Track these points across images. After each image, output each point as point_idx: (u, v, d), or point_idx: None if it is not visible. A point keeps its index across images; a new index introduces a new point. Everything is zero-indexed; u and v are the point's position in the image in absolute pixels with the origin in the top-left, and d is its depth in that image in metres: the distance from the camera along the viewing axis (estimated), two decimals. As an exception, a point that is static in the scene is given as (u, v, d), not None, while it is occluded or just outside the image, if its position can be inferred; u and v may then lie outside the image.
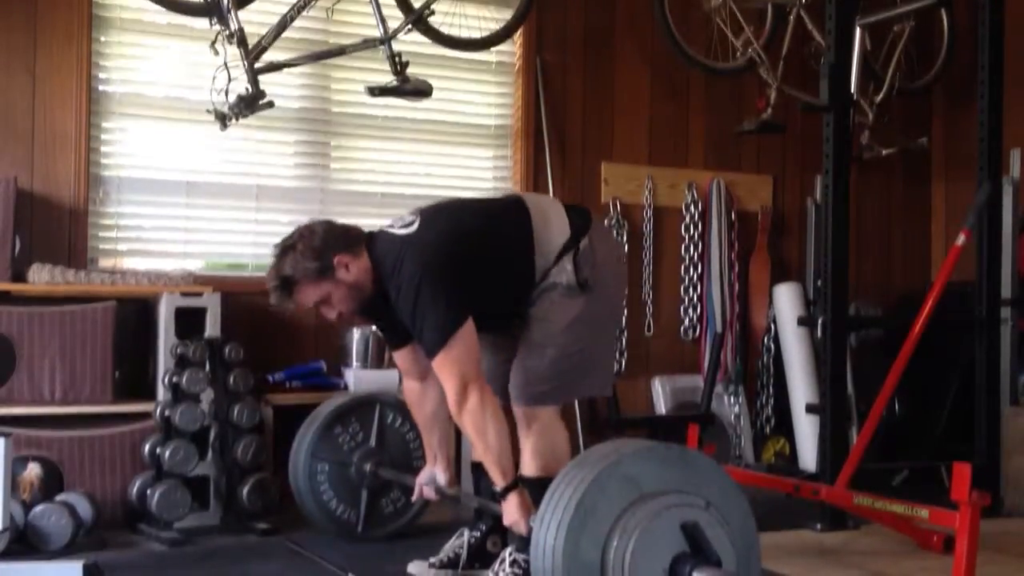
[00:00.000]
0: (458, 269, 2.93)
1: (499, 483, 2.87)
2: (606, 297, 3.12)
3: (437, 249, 2.94)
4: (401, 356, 3.28)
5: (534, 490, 3.03)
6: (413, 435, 3.79)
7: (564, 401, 3.14)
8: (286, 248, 3.05)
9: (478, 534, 3.25)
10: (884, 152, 5.52)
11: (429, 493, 3.40)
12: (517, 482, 2.87)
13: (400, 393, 3.91)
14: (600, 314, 3.10)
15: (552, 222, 3.07)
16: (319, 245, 3.00)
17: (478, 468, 3.29)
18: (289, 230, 4.67)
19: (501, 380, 3.11)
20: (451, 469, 3.40)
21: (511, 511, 2.87)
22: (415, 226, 3.03)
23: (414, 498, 3.56)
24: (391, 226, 3.09)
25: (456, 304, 2.89)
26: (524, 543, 3.01)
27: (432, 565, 3.22)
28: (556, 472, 2.97)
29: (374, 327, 3.30)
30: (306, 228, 3.08)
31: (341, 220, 4.79)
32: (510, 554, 3.03)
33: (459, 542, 3.25)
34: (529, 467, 3.03)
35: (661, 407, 5.22)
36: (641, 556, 2.26)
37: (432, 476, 3.39)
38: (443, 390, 3.13)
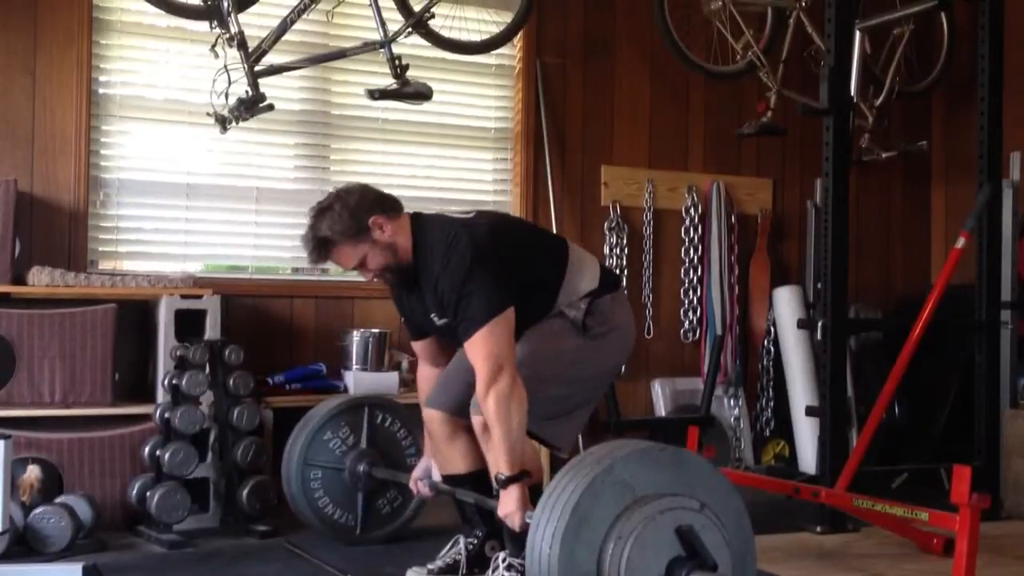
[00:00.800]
0: (507, 260, 2.97)
1: (505, 471, 2.83)
2: (602, 353, 3.13)
3: (492, 239, 2.99)
4: (420, 345, 3.31)
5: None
6: (404, 433, 3.79)
7: (543, 407, 3.03)
8: (323, 210, 3.06)
9: (475, 540, 3.24)
10: (884, 155, 5.52)
11: (424, 490, 3.38)
12: (521, 476, 2.84)
13: (395, 396, 3.92)
14: (589, 364, 3.10)
15: (586, 271, 3.13)
16: (355, 206, 3.03)
17: (453, 481, 3.26)
18: (289, 232, 4.76)
19: (464, 399, 3.10)
20: None
21: (509, 503, 2.84)
22: (472, 215, 3.11)
23: (413, 495, 3.54)
24: (444, 213, 3.18)
25: (504, 288, 2.91)
26: (519, 547, 3.01)
27: (431, 571, 3.21)
28: (541, 478, 3.04)
29: (397, 309, 3.27)
30: (343, 190, 3.12)
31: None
32: (504, 559, 3.02)
33: (456, 548, 3.23)
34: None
35: (661, 409, 5.22)
36: (637, 562, 2.25)
37: (428, 467, 3.37)
38: None
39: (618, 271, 5.16)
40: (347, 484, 3.69)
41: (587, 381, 3.15)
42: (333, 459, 3.69)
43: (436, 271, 2.96)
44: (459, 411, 3.13)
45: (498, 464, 2.86)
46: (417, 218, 3.11)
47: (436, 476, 3.35)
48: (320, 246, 3.04)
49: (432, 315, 3.06)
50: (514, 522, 2.83)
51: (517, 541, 3.01)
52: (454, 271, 2.91)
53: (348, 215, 3.01)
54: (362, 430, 3.73)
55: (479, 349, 2.85)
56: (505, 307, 2.89)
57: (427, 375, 3.35)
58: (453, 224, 3.03)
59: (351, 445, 3.72)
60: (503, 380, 2.81)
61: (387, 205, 3.08)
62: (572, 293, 3.08)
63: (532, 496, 2.82)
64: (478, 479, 3.18)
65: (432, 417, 3.24)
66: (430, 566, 3.22)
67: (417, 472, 3.41)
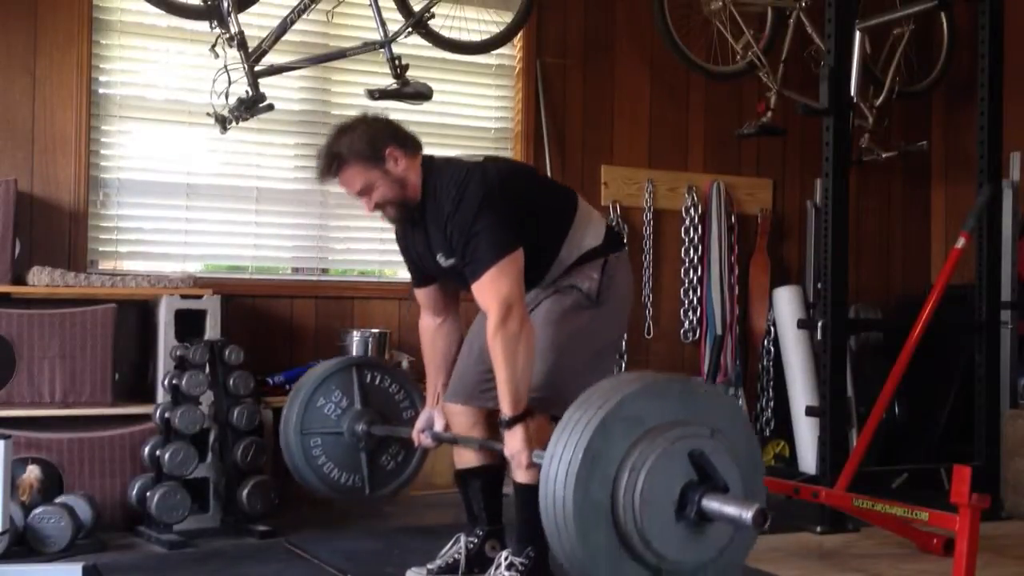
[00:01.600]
0: (518, 203, 2.97)
1: (509, 412, 2.83)
2: (612, 319, 3.13)
3: (502, 181, 2.98)
4: (423, 293, 3.29)
5: (530, 495, 3.02)
6: (396, 388, 3.77)
7: (552, 412, 3.00)
8: (344, 128, 3.08)
9: (475, 539, 3.23)
10: (884, 155, 5.53)
11: (427, 442, 3.35)
12: (525, 415, 2.83)
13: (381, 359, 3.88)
14: (603, 334, 3.10)
15: (591, 226, 3.13)
16: (376, 132, 3.04)
17: (464, 475, 3.28)
18: (289, 232, 4.76)
19: (482, 386, 3.11)
20: None
21: (515, 442, 2.83)
22: (481, 159, 3.11)
23: (416, 447, 3.50)
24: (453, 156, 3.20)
25: (514, 228, 2.92)
26: (521, 546, 3.01)
27: (431, 571, 3.20)
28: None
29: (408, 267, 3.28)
30: (369, 116, 3.13)
31: (341, 223, 4.87)
32: (506, 557, 3.02)
33: (456, 547, 3.23)
34: (524, 474, 3.01)
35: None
36: (651, 490, 2.29)
37: (430, 417, 3.34)
38: (457, 331, 3.23)
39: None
40: (348, 446, 3.65)
41: (606, 349, 3.18)
42: (330, 424, 3.66)
43: (447, 210, 2.95)
44: (477, 399, 3.14)
45: (502, 405, 2.85)
46: (429, 159, 3.11)
47: (438, 426, 3.32)
48: (332, 161, 3.04)
49: (439, 255, 3.04)
50: (520, 461, 2.83)
51: (520, 540, 3.02)
52: (464, 211, 2.91)
53: (367, 138, 3.02)
54: (354, 391, 3.70)
55: (488, 290, 2.86)
56: (514, 248, 2.89)
57: (428, 326, 3.33)
58: (464, 165, 3.04)
59: (345, 407, 3.68)
60: (512, 321, 2.82)
61: (408, 141, 3.08)
62: (576, 246, 3.06)
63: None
64: (489, 473, 3.22)
65: (452, 410, 3.25)
66: (430, 566, 3.22)
67: (419, 424, 3.37)
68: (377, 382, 3.75)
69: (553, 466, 2.34)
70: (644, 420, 2.35)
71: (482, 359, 2.99)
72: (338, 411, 3.67)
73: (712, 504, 2.31)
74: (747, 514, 2.26)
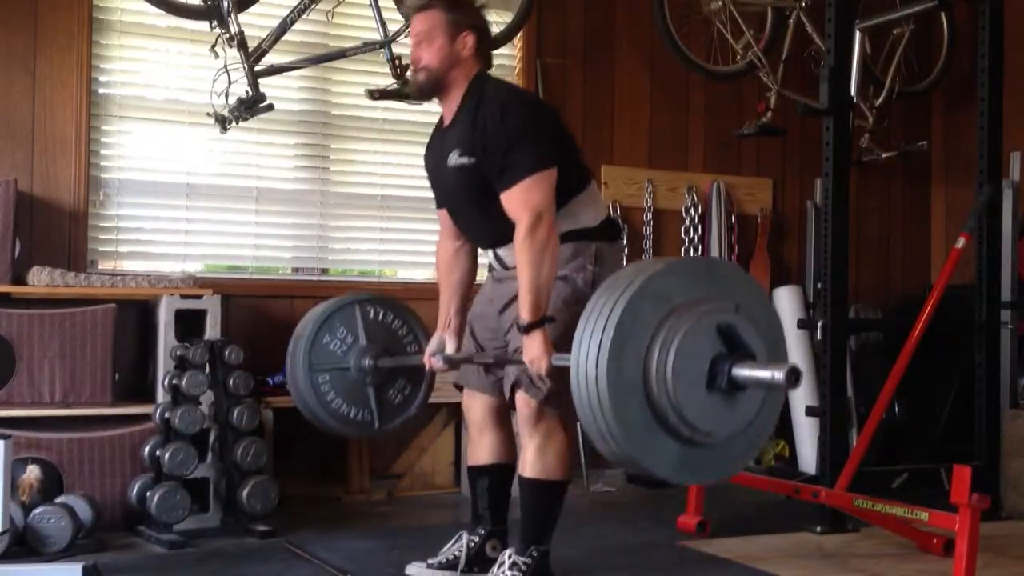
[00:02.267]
0: (557, 136, 3.04)
1: (528, 317, 2.84)
2: None
3: (550, 108, 3.20)
4: (444, 213, 3.29)
5: (536, 492, 3.03)
6: (399, 323, 3.76)
7: (558, 408, 3.01)
8: None
9: (477, 538, 3.24)
10: (884, 155, 5.53)
11: (437, 364, 3.33)
12: (543, 321, 2.85)
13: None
14: None
15: (594, 207, 3.13)
16: (479, 14, 3.13)
17: (474, 472, 3.30)
18: (289, 233, 4.76)
19: (490, 385, 3.15)
20: (461, 336, 3.33)
21: (534, 347, 2.84)
22: None
23: (427, 370, 3.48)
24: None
25: (555, 147, 2.97)
26: (524, 545, 3.02)
27: (430, 566, 3.21)
28: (556, 475, 3.01)
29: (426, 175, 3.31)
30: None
31: (341, 223, 4.87)
32: (509, 556, 3.03)
33: (458, 545, 3.24)
34: (532, 468, 3.02)
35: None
36: (682, 363, 2.37)
37: (442, 341, 3.33)
38: (474, 258, 3.28)
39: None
40: (356, 381, 3.66)
41: None
42: (337, 360, 3.67)
43: (489, 111, 2.97)
44: (496, 389, 3.16)
45: (522, 310, 2.87)
46: (487, 76, 3.14)
47: (450, 349, 3.31)
48: None
49: (452, 153, 3.05)
50: (540, 367, 2.84)
51: (524, 540, 3.03)
52: (513, 115, 2.95)
53: (465, 8, 3.10)
54: (358, 327, 3.70)
55: (522, 197, 2.90)
56: (553, 164, 2.94)
57: (446, 249, 3.33)
58: (519, 87, 3.17)
59: (351, 344, 3.69)
60: (541, 230, 2.86)
61: (487, 49, 3.14)
62: (573, 216, 3.05)
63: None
64: (499, 472, 3.24)
65: (470, 406, 3.28)
66: (430, 560, 3.23)
67: (431, 347, 3.37)
68: (380, 318, 3.75)
69: (584, 347, 2.40)
70: (671, 298, 2.43)
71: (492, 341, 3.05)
72: (344, 347, 3.67)
73: (743, 372, 2.40)
74: (779, 374, 2.36)
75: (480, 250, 3.31)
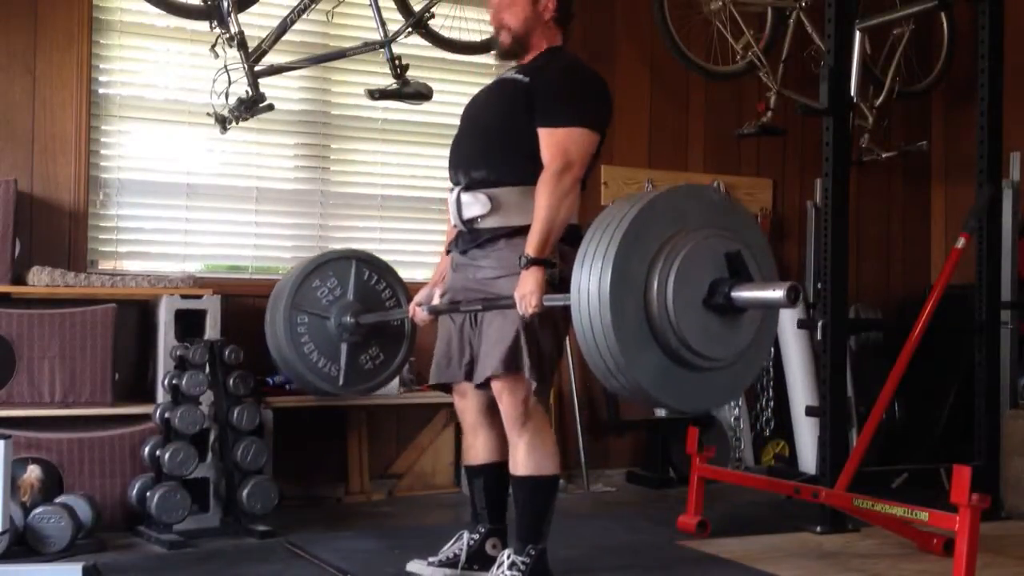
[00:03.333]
0: (604, 121, 3.10)
1: (533, 252, 2.87)
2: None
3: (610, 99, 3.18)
4: None
5: (530, 490, 3.04)
6: (389, 292, 3.76)
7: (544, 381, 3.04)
8: None
9: (477, 536, 3.25)
10: (884, 155, 5.53)
11: (421, 314, 3.33)
12: (544, 262, 2.88)
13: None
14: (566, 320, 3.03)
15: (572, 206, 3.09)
16: None
17: (471, 472, 3.30)
18: (289, 233, 4.76)
19: (463, 373, 3.14)
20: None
21: (528, 283, 2.86)
22: None
23: (410, 315, 3.43)
24: None
25: (603, 121, 3.05)
26: (522, 544, 3.02)
27: (431, 564, 3.22)
28: (549, 471, 3.03)
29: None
30: None
31: (341, 223, 4.87)
32: (508, 556, 3.03)
33: (458, 543, 3.25)
34: (524, 466, 3.03)
35: (661, 409, 5.21)
36: (683, 276, 2.47)
37: (430, 294, 3.34)
38: None
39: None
40: (332, 334, 3.67)
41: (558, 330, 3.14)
42: (320, 307, 3.68)
43: (562, 64, 3.06)
44: (469, 374, 3.14)
45: (529, 245, 2.90)
46: (564, 47, 3.18)
47: (436, 300, 3.30)
48: None
49: (511, 70, 3.12)
50: (529, 302, 2.85)
51: (520, 538, 3.04)
52: (585, 76, 3.05)
53: None
54: (349, 282, 3.72)
55: (562, 142, 2.95)
56: (600, 133, 3.02)
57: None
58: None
59: (337, 296, 3.70)
60: (568, 177, 2.94)
61: (568, 13, 3.17)
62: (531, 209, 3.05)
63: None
64: (494, 470, 3.24)
65: (463, 408, 3.28)
66: (431, 558, 3.24)
67: (419, 297, 3.38)
68: (373, 282, 3.76)
69: (597, 233, 2.52)
70: (687, 217, 2.55)
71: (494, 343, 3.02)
72: (331, 297, 3.69)
73: (742, 293, 2.48)
74: (779, 292, 2.43)
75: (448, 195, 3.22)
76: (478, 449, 3.27)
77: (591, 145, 3.00)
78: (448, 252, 3.27)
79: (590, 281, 2.46)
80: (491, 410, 3.20)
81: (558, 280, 2.94)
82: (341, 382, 3.68)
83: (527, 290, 2.86)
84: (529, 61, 3.14)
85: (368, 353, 3.76)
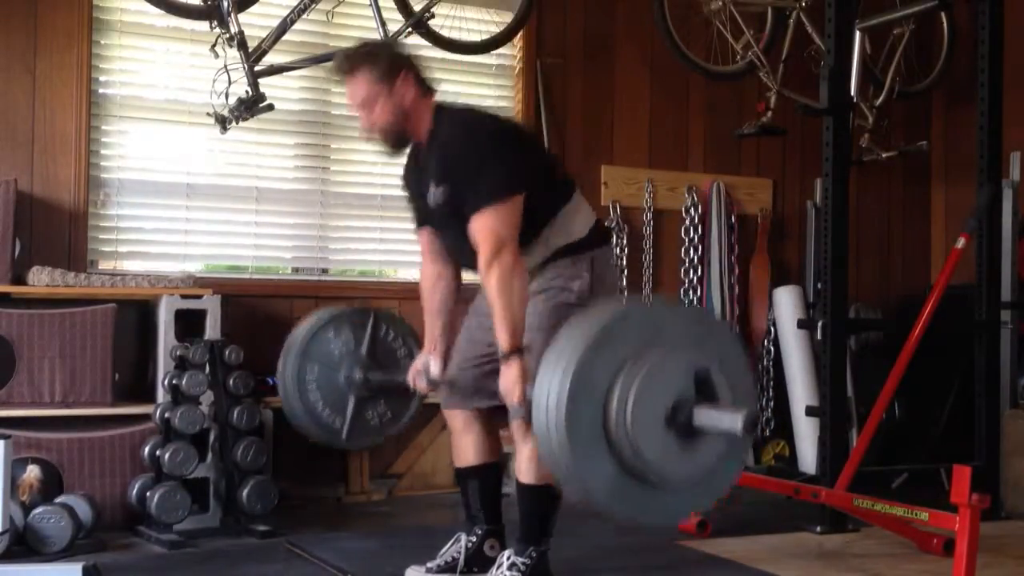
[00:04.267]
0: (524, 159, 3.01)
1: (506, 346, 2.84)
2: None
3: (517, 128, 3.16)
4: (424, 234, 3.27)
5: (534, 497, 3.03)
6: (405, 351, 3.76)
7: None
8: (369, 43, 3.16)
9: (475, 538, 3.24)
10: (884, 155, 5.53)
11: (422, 384, 3.33)
12: (521, 351, 2.84)
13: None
14: None
15: (582, 215, 3.10)
16: (398, 55, 3.07)
17: (463, 474, 3.29)
18: (289, 232, 4.76)
19: (479, 384, 3.13)
20: (446, 359, 3.32)
21: (510, 377, 2.83)
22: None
23: (411, 388, 3.45)
24: None
25: (519, 174, 2.94)
26: (523, 546, 3.02)
27: (429, 570, 3.20)
28: (552, 479, 2.94)
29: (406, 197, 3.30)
30: (402, 46, 3.21)
31: (341, 223, 4.87)
32: (508, 557, 3.03)
33: (456, 546, 3.23)
34: (527, 474, 3.02)
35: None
36: (647, 390, 2.34)
37: (427, 362, 3.33)
38: (456, 279, 3.24)
39: (618, 271, 5.16)
40: (341, 386, 3.66)
41: None
42: (332, 359, 3.67)
43: (456, 135, 2.98)
44: (472, 401, 3.17)
45: (499, 339, 2.86)
46: (441, 106, 3.11)
47: (434, 370, 3.31)
48: (348, 60, 3.06)
49: (430, 183, 3.03)
50: (514, 395, 2.83)
51: (522, 540, 3.03)
52: (476, 143, 2.95)
53: (388, 56, 3.05)
54: (364, 337, 3.71)
55: (483, 226, 2.88)
56: (517, 192, 2.91)
57: (428, 272, 3.30)
58: (480, 110, 3.14)
59: (351, 349, 3.70)
60: (506, 255, 2.85)
61: (425, 81, 3.10)
62: (564, 230, 3.04)
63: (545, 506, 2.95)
64: (487, 471, 3.24)
65: (452, 413, 3.28)
66: (429, 564, 3.22)
67: (417, 364, 3.37)
68: (389, 339, 3.74)
69: (570, 333, 2.41)
70: (662, 328, 2.43)
71: (475, 362, 3.05)
72: (343, 350, 3.66)
73: (702, 414, 2.36)
74: (736, 419, 2.32)
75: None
76: (469, 451, 3.25)
77: (517, 206, 2.90)
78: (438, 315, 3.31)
79: (551, 385, 2.35)
80: (480, 411, 3.19)
81: (589, 290, 2.97)
82: (344, 436, 3.68)
83: (510, 384, 2.84)
84: (427, 139, 3.06)
85: (376, 409, 3.74)
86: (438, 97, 3.12)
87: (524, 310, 2.89)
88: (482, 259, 2.86)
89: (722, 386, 2.42)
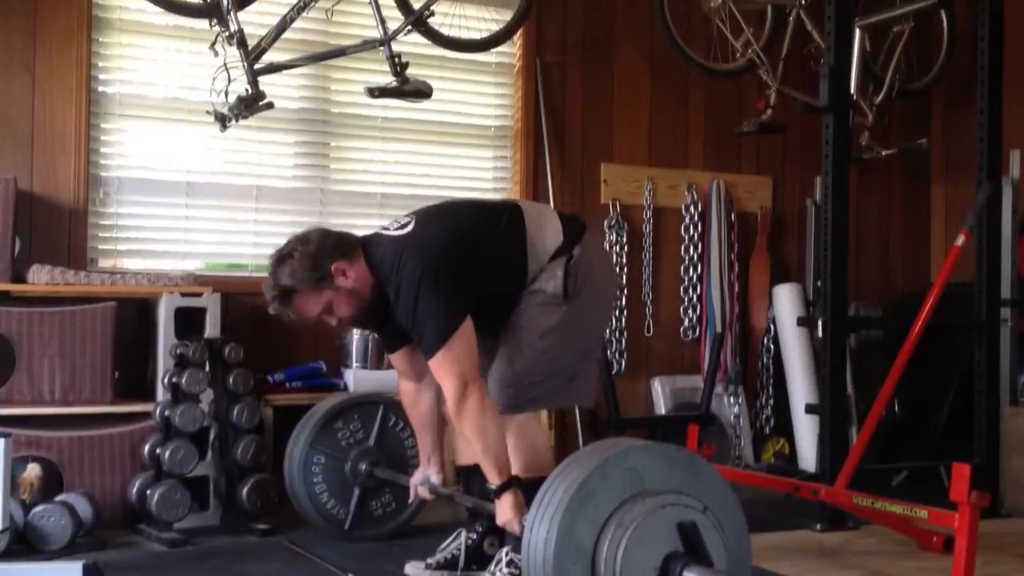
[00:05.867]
0: (456, 268, 2.93)
1: (495, 481, 2.88)
2: (589, 309, 3.10)
3: (436, 247, 2.95)
4: (397, 358, 3.29)
5: (532, 491, 3.03)
6: (412, 442, 3.79)
7: (537, 409, 3.12)
8: (282, 257, 3.02)
9: (475, 535, 3.25)
10: (884, 153, 5.53)
11: (424, 493, 3.41)
12: (512, 482, 2.88)
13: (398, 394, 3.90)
14: (580, 325, 3.07)
15: (546, 227, 3.09)
16: (315, 252, 2.98)
17: (467, 472, 3.30)
18: (289, 231, 4.73)
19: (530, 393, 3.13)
20: (445, 471, 3.42)
21: (505, 510, 2.87)
22: (411, 226, 3.04)
23: (411, 499, 3.57)
24: (386, 229, 3.11)
25: (456, 303, 2.90)
26: (520, 543, 3.02)
27: (429, 566, 3.22)
28: (537, 469, 3.00)
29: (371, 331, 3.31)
30: (301, 237, 3.06)
31: (341, 221, 4.87)
32: (506, 554, 3.03)
33: (456, 543, 3.25)
34: (515, 468, 3.03)
35: (661, 407, 5.22)
36: (635, 549, 2.26)
37: (426, 478, 3.40)
38: (439, 392, 3.15)
39: (618, 269, 5.16)
40: (346, 477, 3.69)
41: (585, 339, 3.15)
42: (338, 449, 3.69)
43: (393, 297, 2.95)
44: (525, 407, 3.13)
45: (487, 475, 2.90)
46: (366, 244, 3.05)
47: (435, 480, 3.38)
48: (282, 295, 3.00)
49: (392, 320, 3.03)
50: (513, 527, 2.85)
51: (518, 537, 3.02)
52: (405, 297, 2.90)
53: (309, 262, 2.96)
54: (373, 427, 3.74)
55: (440, 369, 2.88)
56: (459, 323, 2.87)
57: (408, 389, 3.34)
58: (393, 245, 2.98)
59: (358, 440, 3.72)
60: (472, 396, 2.85)
61: (347, 247, 3.01)
62: (542, 253, 3.04)
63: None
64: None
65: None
66: (429, 560, 3.24)
67: (416, 479, 3.44)
68: (398, 429, 3.78)
69: (547, 495, 2.34)
70: (644, 478, 2.35)
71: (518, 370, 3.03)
72: (351, 440, 3.70)
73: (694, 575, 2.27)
74: None
75: None
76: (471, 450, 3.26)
77: (462, 338, 2.87)
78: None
79: (537, 540, 2.31)
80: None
81: (564, 295, 2.98)
82: (347, 526, 3.70)
83: (507, 517, 2.87)
84: (374, 281, 3.01)
85: (380, 500, 3.77)
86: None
87: (502, 442, 2.90)
88: (450, 403, 2.88)
89: (711, 537, 2.34)
